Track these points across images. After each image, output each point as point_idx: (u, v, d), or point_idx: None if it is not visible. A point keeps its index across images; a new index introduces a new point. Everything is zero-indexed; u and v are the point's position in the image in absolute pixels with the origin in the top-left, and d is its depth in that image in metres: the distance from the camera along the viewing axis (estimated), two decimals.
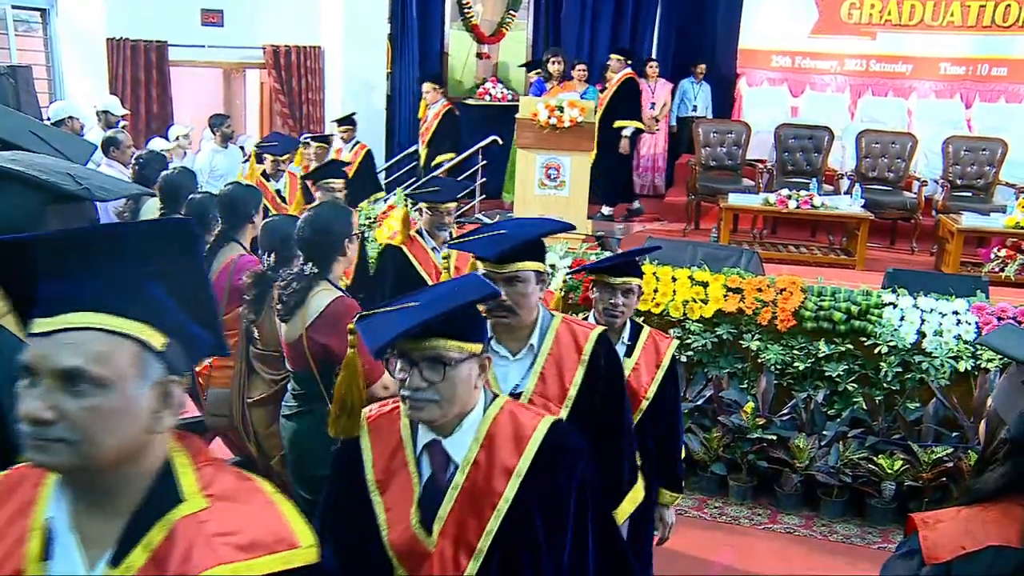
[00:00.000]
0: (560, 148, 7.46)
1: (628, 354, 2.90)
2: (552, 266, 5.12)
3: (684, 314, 4.95)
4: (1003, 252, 7.07)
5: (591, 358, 2.36)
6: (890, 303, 4.75)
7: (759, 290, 4.88)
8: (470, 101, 10.25)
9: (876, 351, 4.71)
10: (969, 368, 4.60)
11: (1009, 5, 9.38)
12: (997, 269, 6.93)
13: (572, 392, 2.33)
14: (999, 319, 4.59)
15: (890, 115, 9.59)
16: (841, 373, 4.75)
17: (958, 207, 7.82)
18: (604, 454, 2.37)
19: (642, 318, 4.74)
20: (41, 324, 1.17)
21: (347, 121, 7.68)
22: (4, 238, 1.23)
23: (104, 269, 1.20)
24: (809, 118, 9.35)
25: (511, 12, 10.54)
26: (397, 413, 1.82)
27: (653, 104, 9.88)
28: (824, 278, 5.13)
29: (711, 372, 4.91)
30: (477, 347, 1.73)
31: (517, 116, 7.72)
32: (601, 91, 9.00)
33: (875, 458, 4.48)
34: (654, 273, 4.97)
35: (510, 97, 10.22)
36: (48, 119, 6.40)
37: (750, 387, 4.86)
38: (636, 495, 2.55)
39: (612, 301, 2.85)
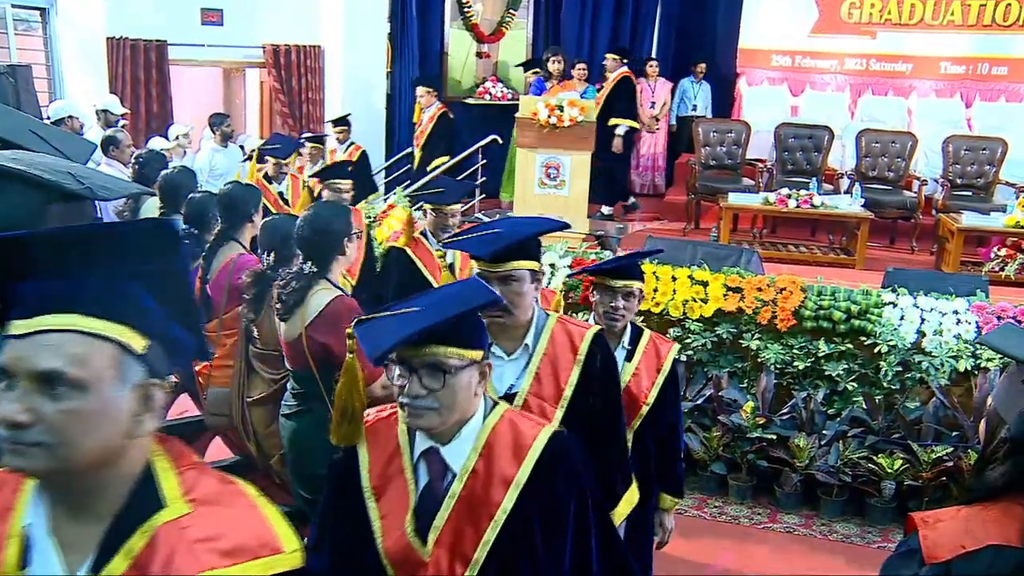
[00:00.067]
0: (560, 147, 7.47)
1: (628, 359, 2.85)
2: (552, 265, 5.12)
3: (684, 313, 4.95)
4: (1003, 251, 7.06)
5: (586, 358, 2.33)
6: (890, 302, 4.75)
7: (759, 289, 4.88)
8: (470, 100, 10.26)
9: (876, 350, 4.71)
10: (969, 367, 4.60)
11: (1009, 4, 9.37)
12: (997, 268, 6.92)
13: (568, 392, 2.30)
14: (999, 318, 4.59)
15: (890, 114, 9.57)
16: (841, 372, 4.75)
17: (958, 206, 7.81)
18: (599, 455, 2.33)
19: (642, 318, 4.75)
20: (18, 326, 1.14)
21: (342, 122, 7.65)
22: None
23: (82, 270, 1.18)
24: (809, 117, 9.33)
25: (511, 11, 10.54)
26: (395, 419, 1.79)
27: (653, 103, 9.87)
28: (824, 277, 5.14)
29: (711, 371, 4.91)
30: (478, 354, 1.69)
31: (517, 115, 7.72)
32: (599, 90, 9.00)
33: (875, 457, 4.47)
34: (654, 272, 4.97)
35: (510, 96, 10.21)
36: (48, 118, 6.39)
37: (750, 386, 4.86)
38: (631, 496, 2.53)
39: (612, 304, 2.80)
